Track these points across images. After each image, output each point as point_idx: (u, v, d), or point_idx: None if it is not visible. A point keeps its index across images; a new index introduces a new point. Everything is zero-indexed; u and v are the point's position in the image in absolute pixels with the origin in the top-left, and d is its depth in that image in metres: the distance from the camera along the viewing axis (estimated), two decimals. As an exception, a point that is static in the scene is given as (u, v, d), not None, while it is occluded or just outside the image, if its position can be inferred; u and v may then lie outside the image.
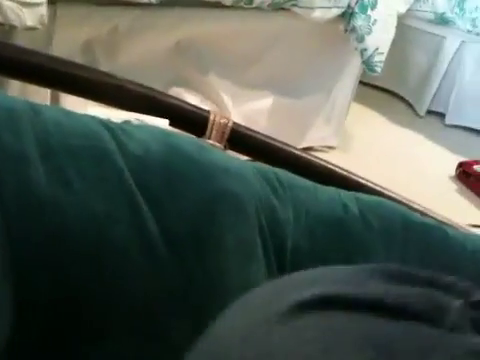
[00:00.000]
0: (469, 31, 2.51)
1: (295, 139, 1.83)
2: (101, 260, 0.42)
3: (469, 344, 0.20)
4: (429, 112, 2.72)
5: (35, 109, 0.46)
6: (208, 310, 0.46)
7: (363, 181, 0.81)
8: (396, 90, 2.84)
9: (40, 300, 0.40)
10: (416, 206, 0.76)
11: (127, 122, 0.58)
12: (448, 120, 2.66)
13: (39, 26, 1.08)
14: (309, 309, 0.23)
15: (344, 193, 0.65)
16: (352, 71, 1.98)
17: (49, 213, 0.41)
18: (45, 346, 0.40)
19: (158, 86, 0.75)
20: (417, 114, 2.71)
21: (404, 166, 2.15)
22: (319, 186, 0.65)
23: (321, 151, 2.02)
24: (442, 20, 2.56)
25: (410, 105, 2.77)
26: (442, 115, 2.70)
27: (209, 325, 0.39)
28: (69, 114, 0.49)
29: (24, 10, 1.04)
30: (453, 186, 2.15)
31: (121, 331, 0.43)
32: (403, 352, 0.19)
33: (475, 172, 2.11)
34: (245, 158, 0.75)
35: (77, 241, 0.41)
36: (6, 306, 0.38)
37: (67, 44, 1.28)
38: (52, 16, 1.22)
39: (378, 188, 0.78)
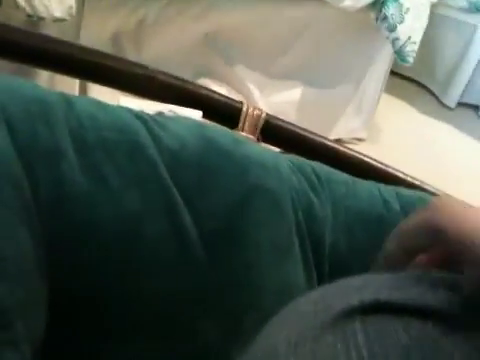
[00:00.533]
0: (504, 19, 2.44)
1: (324, 131, 1.80)
2: (133, 258, 0.41)
3: None
4: (461, 104, 2.64)
5: (69, 101, 0.45)
6: (243, 307, 0.45)
7: (400, 175, 0.78)
8: (423, 81, 2.77)
9: (69, 298, 0.39)
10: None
11: (160, 114, 0.57)
12: (482, 112, 2.59)
13: (67, 17, 1.07)
14: (356, 315, 0.23)
15: (384, 188, 0.63)
16: (383, 61, 1.94)
17: (83, 209, 0.40)
18: (72, 346, 0.39)
19: (185, 77, 0.73)
20: (445, 106, 2.64)
21: (437, 159, 2.10)
22: (358, 180, 0.63)
23: (350, 143, 1.98)
24: (476, 8, 2.49)
25: (436, 97, 2.70)
26: (476, 107, 2.62)
27: (244, 325, 0.38)
28: (103, 106, 0.48)
29: (52, 1, 1.03)
30: (486, 180, 2.09)
31: (150, 331, 0.42)
32: (451, 357, 0.20)
33: (510, 165, 2.05)
34: (276, 149, 0.73)
35: (110, 238, 0.40)
36: (44, 305, 0.37)
37: (95, 35, 1.28)
38: (80, 7, 1.21)
39: (418, 183, 0.75)
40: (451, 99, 2.63)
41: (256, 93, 1.67)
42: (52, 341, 0.38)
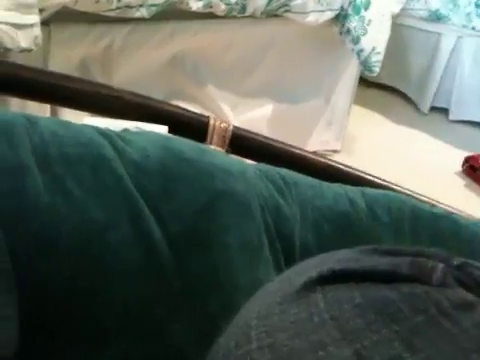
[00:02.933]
0: (464, 26, 2.51)
1: (298, 145, 1.82)
2: (100, 264, 0.41)
3: (455, 296, 0.23)
4: (432, 109, 2.71)
5: (31, 120, 0.46)
6: (216, 309, 0.46)
7: (369, 177, 0.80)
8: (400, 88, 2.83)
9: (41, 307, 0.40)
10: (424, 198, 0.75)
11: (125, 130, 0.58)
12: (452, 115, 2.64)
13: (34, 47, 1.09)
14: (317, 286, 0.26)
15: (350, 188, 0.65)
16: (350, 73, 1.98)
17: (48, 222, 0.41)
18: (43, 355, 0.40)
19: (157, 100, 0.75)
20: (421, 111, 2.70)
21: (411, 164, 2.14)
22: (324, 183, 0.64)
23: (325, 155, 2.01)
24: (437, 17, 2.56)
25: (413, 103, 2.76)
26: (446, 111, 2.69)
27: (219, 327, 0.39)
28: (65, 124, 0.49)
29: (18, 32, 1.05)
30: (461, 182, 2.13)
31: (125, 336, 0.42)
32: (398, 311, 0.22)
33: (482, 166, 2.09)
34: (249, 162, 0.74)
35: (77, 248, 0.41)
36: (15, 319, 0.38)
37: (63, 64, 1.29)
38: (46, 37, 1.23)
39: (385, 183, 0.77)
40: (424, 104, 2.70)
41: (228, 112, 1.70)
42: (26, 350, 0.39)
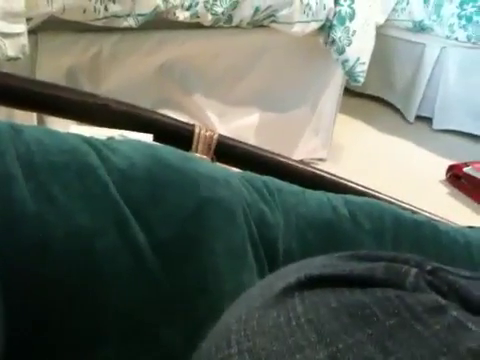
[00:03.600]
0: (448, 37, 2.55)
1: (284, 153, 1.83)
2: (88, 271, 0.42)
3: (427, 300, 0.23)
4: (417, 118, 2.74)
5: (16, 128, 0.46)
6: (204, 313, 0.46)
7: (352, 185, 0.81)
8: (385, 98, 2.87)
9: (42, 309, 0.40)
10: (406, 205, 0.76)
11: (111, 138, 0.58)
12: (436, 125, 2.68)
13: (21, 56, 1.09)
14: (295, 291, 0.27)
15: (333, 196, 0.66)
16: (336, 82, 2.00)
17: (34, 229, 0.41)
18: (43, 355, 0.40)
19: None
20: (406, 120, 2.74)
21: (396, 172, 2.16)
22: (308, 190, 0.65)
23: (312, 164, 2.03)
24: (421, 28, 2.60)
25: (398, 112, 2.80)
26: (430, 120, 2.72)
27: (207, 330, 0.40)
28: (50, 132, 0.49)
29: (5, 41, 1.05)
30: (445, 190, 2.16)
31: (112, 341, 0.43)
32: (372, 315, 0.23)
33: (465, 174, 2.12)
34: (235, 170, 0.75)
35: (63, 256, 0.41)
36: (1, 323, 0.38)
37: (50, 72, 1.30)
38: (34, 45, 1.23)
39: (367, 190, 0.78)
40: (409, 114, 2.73)
41: (215, 120, 1.71)
42: (26, 350, 0.39)
